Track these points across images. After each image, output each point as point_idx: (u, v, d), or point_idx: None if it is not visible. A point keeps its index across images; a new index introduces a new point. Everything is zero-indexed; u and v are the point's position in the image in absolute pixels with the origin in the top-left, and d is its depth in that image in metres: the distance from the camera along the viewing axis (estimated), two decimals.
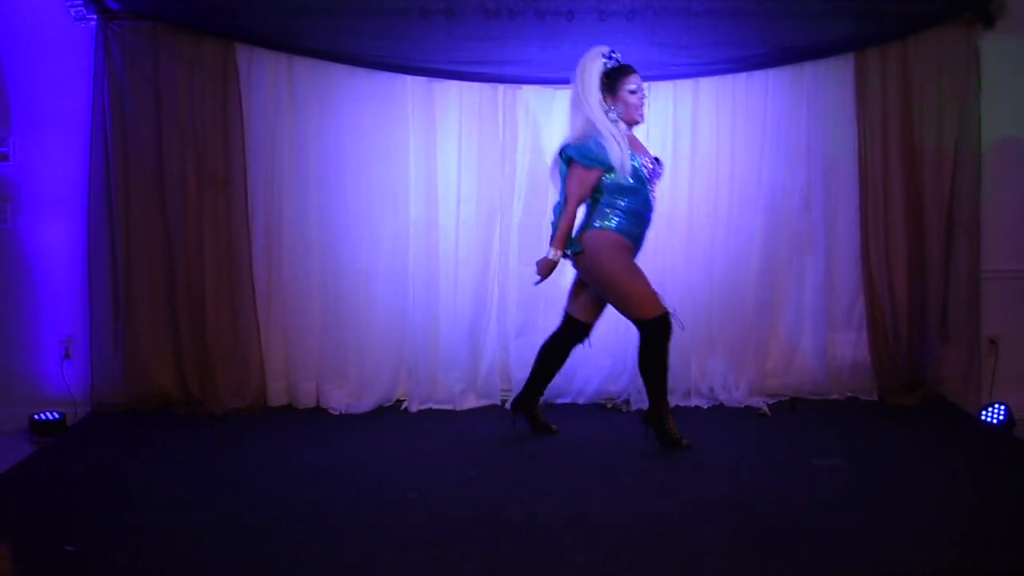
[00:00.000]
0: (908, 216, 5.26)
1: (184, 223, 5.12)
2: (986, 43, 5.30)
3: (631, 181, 4.39)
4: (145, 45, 5.03)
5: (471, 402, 5.30)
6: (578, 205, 4.46)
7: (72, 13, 4.99)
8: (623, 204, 4.42)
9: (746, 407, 5.25)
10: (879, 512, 3.74)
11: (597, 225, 4.43)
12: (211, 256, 5.14)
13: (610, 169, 4.37)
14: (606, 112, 4.41)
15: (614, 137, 4.35)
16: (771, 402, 5.29)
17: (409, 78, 5.17)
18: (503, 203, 5.28)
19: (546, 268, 4.48)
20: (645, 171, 4.44)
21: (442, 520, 3.67)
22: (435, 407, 5.26)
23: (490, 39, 5.10)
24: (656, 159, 4.57)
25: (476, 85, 5.19)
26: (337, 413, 5.18)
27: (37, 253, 5.26)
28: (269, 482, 4.11)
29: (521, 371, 5.26)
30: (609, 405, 5.30)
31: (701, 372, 5.37)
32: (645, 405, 5.15)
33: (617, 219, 4.42)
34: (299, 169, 5.21)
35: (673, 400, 5.22)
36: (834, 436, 4.78)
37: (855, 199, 5.31)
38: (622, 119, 4.46)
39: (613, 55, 4.48)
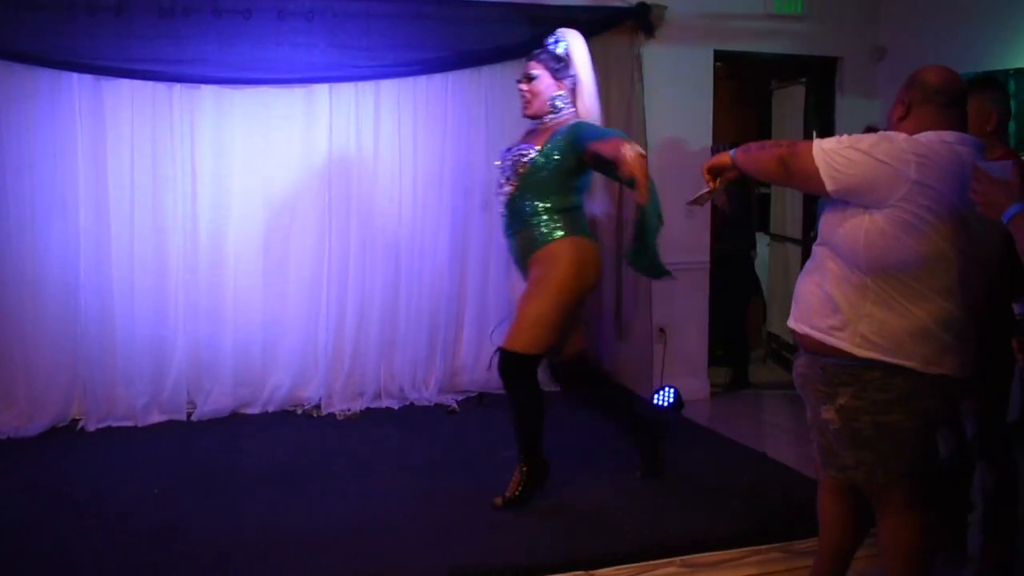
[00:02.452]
0: None
1: None
2: (647, 50, 5.67)
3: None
4: None
5: (155, 417, 5.04)
6: None
7: None
8: None
9: (436, 405, 5.35)
10: (566, 497, 3.93)
11: None
12: None
13: None
14: None
15: None
16: (460, 398, 5.43)
17: (76, 76, 4.85)
18: (183, 209, 5.07)
19: None
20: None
21: (120, 545, 3.49)
22: (115, 424, 4.96)
23: (163, 36, 4.89)
24: (510, 150, 3.99)
25: (149, 84, 4.95)
26: (4, 438, 4.76)
27: None
28: None
29: (211, 383, 5.10)
30: (300, 411, 5.22)
31: (391, 373, 5.41)
32: (336, 408, 5.17)
33: None
34: None
35: (363, 402, 5.26)
36: None
37: None
38: None
39: (548, 43, 3.89)
